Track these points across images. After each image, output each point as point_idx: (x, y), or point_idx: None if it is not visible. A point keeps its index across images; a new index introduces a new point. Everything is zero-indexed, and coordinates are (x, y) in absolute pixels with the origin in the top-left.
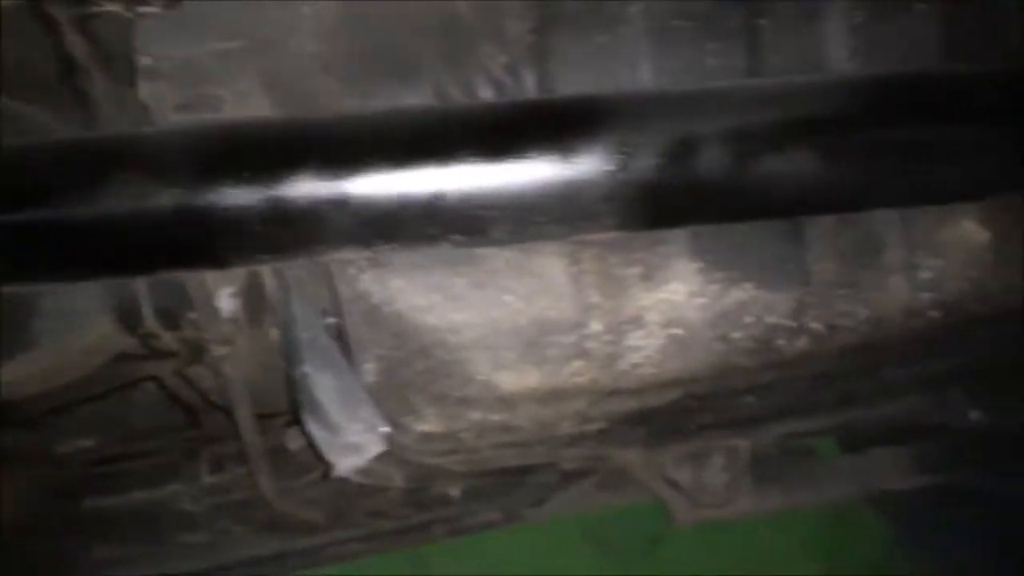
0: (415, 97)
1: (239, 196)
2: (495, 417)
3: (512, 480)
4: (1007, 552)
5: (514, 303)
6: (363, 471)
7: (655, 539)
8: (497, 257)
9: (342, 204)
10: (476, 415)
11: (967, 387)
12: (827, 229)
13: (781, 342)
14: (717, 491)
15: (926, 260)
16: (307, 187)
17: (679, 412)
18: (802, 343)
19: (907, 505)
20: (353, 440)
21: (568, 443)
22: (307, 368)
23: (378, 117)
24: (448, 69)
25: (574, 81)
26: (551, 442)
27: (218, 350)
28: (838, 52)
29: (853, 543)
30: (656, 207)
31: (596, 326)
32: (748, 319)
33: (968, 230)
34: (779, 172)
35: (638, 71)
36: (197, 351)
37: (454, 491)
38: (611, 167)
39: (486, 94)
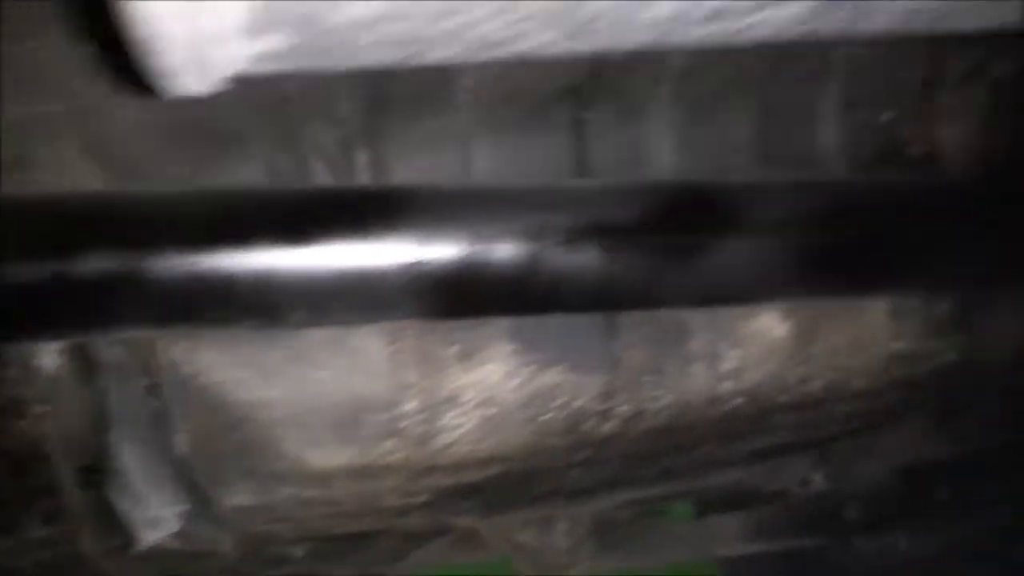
0: (246, 171)
1: (28, 271)
2: (310, 492)
3: (359, 542)
4: None
5: (329, 380)
6: (185, 537)
7: None
8: (313, 332)
9: (134, 284)
10: (289, 490)
11: (812, 454)
12: (637, 317)
13: (590, 424)
14: (560, 554)
15: (728, 351)
16: (98, 265)
17: (504, 486)
18: (610, 426)
19: (754, 568)
20: (154, 514)
21: (397, 514)
22: (115, 435)
23: (176, 196)
24: (279, 145)
25: (407, 163)
26: (379, 513)
27: (37, 408)
28: (660, 148)
29: None
30: (451, 299)
31: (411, 405)
32: (558, 401)
33: (768, 323)
34: (568, 271)
35: (470, 157)
36: (17, 408)
37: (297, 551)
38: (408, 259)
39: (319, 171)
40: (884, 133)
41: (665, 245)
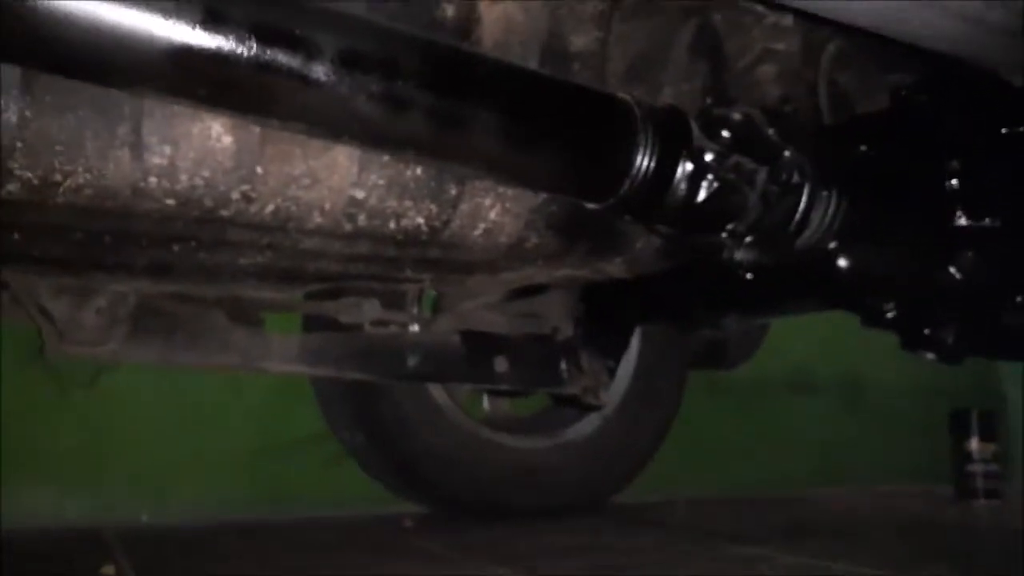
0: None
1: None
2: None
3: None
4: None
5: None
6: None
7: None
8: None
9: None
10: None
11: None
12: (60, 83)
13: None
14: (88, 331)
15: (158, 145)
16: None
17: None
18: (14, 187)
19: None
20: None
21: None
22: None
23: None
24: None
25: None
26: None
27: None
28: None
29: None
30: None
31: None
32: None
33: (208, 130)
34: None
35: None
36: None
37: None
38: None
39: None
40: None
41: None
